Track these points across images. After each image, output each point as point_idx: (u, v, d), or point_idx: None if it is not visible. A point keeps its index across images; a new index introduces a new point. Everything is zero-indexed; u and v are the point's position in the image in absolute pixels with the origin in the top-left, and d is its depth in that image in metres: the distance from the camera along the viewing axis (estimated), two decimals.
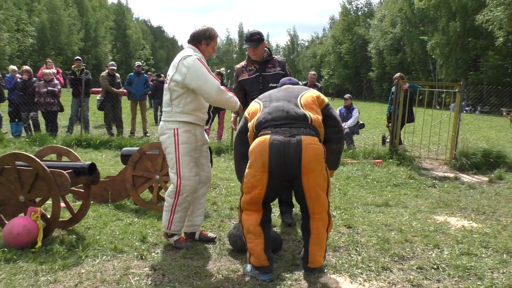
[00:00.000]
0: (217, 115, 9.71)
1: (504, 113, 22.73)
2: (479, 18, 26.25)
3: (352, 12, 63.31)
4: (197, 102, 3.32)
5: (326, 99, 3.07)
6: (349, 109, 9.39)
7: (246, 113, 3.09)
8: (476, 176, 7.01)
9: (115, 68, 9.65)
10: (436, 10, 33.12)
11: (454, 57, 31.36)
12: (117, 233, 3.67)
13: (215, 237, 3.62)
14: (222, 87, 3.26)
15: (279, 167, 2.69)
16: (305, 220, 2.94)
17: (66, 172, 3.40)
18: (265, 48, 4.05)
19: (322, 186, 2.80)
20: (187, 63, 3.19)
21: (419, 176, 6.65)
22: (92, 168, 3.58)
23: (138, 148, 4.74)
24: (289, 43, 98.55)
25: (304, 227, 2.95)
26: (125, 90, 9.87)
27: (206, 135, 3.59)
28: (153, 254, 3.31)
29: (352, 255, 3.32)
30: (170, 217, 3.35)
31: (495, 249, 3.51)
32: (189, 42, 3.45)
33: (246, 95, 4.10)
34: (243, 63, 4.20)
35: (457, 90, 7.62)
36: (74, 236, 3.61)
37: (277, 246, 3.29)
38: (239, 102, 3.41)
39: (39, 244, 3.29)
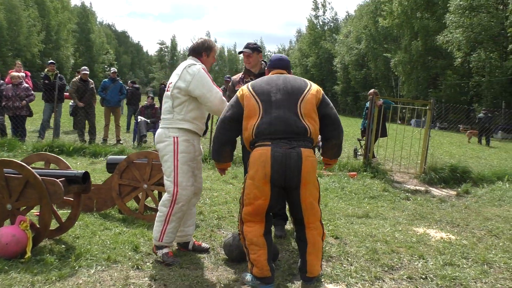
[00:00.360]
0: None
1: (461, 129, 23.94)
2: (439, 39, 27.61)
3: (318, 26, 64.92)
4: (199, 111, 3.35)
5: (321, 92, 3.02)
6: None
7: (239, 99, 2.97)
8: (444, 190, 7.37)
9: (88, 72, 9.32)
10: (399, 29, 34.56)
11: (416, 74, 32.76)
12: (108, 242, 3.60)
13: (209, 247, 3.63)
14: (224, 98, 3.32)
15: (280, 178, 2.75)
16: (300, 230, 2.97)
17: (59, 181, 3.33)
18: (262, 61, 4.15)
19: (315, 196, 2.90)
20: (192, 71, 3.23)
21: (392, 189, 6.92)
22: (86, 176, 3.51)
23: (124, 156, 4.68)
24: None
25: (299, 238, 2.98)
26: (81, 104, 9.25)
27: (200, 146, 3.59)
28: (148, 264, 3.28)
29: (344, 265, 3.43)
30: (163, 228, 3.27)
31: (475, 260, 3.72)
32: (189, 55, 3.49)
33: None
34: (240, 74, 4.27)
35: (428, 107, 8.00)
36: (62, 245, 3.51)
37: (275, 256, 3.35)
38: None
39: (29, 254, 3.18)
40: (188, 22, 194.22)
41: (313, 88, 2.99)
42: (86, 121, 9.32)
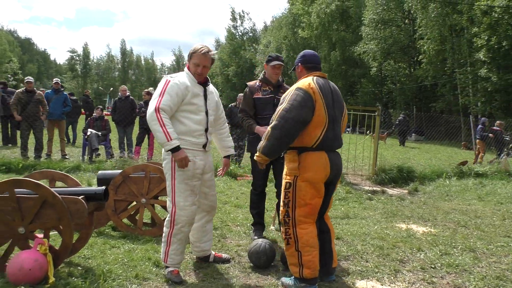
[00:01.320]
0: (147, 135, 9.45)
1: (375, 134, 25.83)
2: (356, 49, 29.73)
3: (237, 36, 66.01)
4: (183, 126, 3.16)
5: None
6: None
7: (314, 104, 2.88)
8: (395, 189, 8.04)
9: (32, 81, 8.56)
10: (318, 40, 36.47)
11: (335, 83, 34.52)
12: (125, 260, 3.48)
13: (230, 257, 3.66)
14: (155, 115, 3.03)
15: (334, 177, 3.09)
16: (322, 223, 3.24)
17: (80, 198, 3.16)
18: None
19: None
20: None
21: (354, 191, 7.39)
22: (106, 193, 3.35)
23: (117, 171, 4.51)
24: (174, 62, 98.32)
25: (323, 230, 3.21)
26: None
27: (209, 162, 3.37)
28: (192, 275, 3.23)
29: (362, 262, 3.68)
30: (166, 249, 3.22)
31: (462, 248, 4.19)
32: None
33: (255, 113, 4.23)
34: (257, 82, 4.30)
35: (376, 113, 8.68)
36: (78, 267, 3.33)
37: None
38: (164, 140, 2.99)
39: (52, 279, 2.98)
40: (97, 30, 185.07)
41: (344, 103, 3.30)
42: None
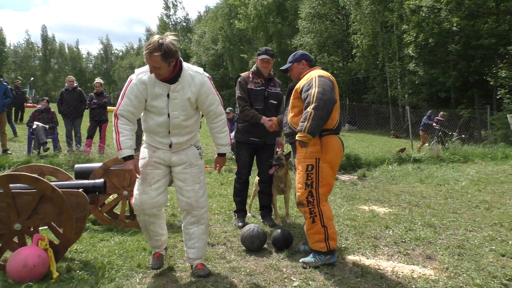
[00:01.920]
0: (98, 127, 9.17)
1: None
2: (294, 42, 30.56)
3: (171, 26, 64.61)
4: (148, 124, 3.06)
5: None
6: (232, 121, 10.12)
7: (335, 89, 3.26)
8: (345, 175, 8.60)
9: None
10: (255, 31, 36.90)
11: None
12: (121, 252, 3.52)
13: (207, 274, 3.11)
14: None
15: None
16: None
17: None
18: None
19: None
20: None
21: None
22: (105, 186, 3.35)
23: (95, 164, 4.45)
24: (102, 52, 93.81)
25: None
26: None
27: (183, 157, 3.09)
28: (180, 266, 3.34)
29: (343, 240, 4.03)
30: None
31: (422, 224, 4.71)
32: None
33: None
34: (249, 73, 4.43)
35: None
36: (75, 262, 3.33)
37: (289, 242, 3.76)
38: (116, 148, 2.95)
39: (56, 274, 2.97)
40: (12, 14, 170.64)
41: None
42: None
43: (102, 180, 3.34)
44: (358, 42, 24.64)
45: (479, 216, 5.19)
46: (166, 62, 2.76)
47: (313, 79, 3.25)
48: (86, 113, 9.39)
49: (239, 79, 4.44)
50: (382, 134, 22.06)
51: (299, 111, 3.37)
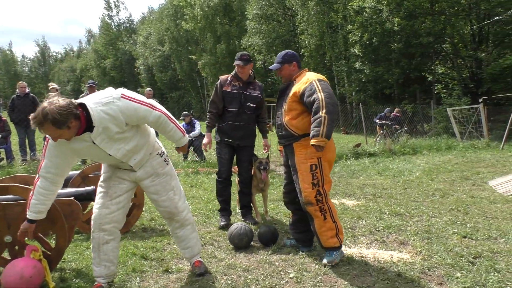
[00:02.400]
0: None
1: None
2: (243, 43, 30.80)
3: (114, 27, 62.65)
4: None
5: None
6: (191, 124, 10.15)
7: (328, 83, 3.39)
8: None
9: None
10: (203, 32, 36.72)
11: (221, 75, 35.40)
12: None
13: (203, 272, 3.22)
14: None
15: None
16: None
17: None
18: (251, 70, 4.52)
19: None
20: None
21: (276, 176, 8.06)
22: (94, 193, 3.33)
23: (74, 171, 4.37)
24: (38, 54, 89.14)
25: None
26: None
27: (148, 170, 3.00)
28: (174, 268, 3.42)
29: None
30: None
31: (390, 213, 5.07)
32: None
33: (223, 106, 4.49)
34: (228, 76, 4.53)
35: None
36: (63, 271, 3.30)
37: (275, 238, 3.94)
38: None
39: (53, 284, 2.95)
40: None
41: None
42: None
43: (92, 187, 3.34)
44: (306, 42, 25.35)
45: (437, 203, 5.65)
46: (64, 127, 2.45)
47: (313, 83, 3.29)
48: None
49: (217, 82, 4.56)
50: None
51: (297, 114, 3.41)
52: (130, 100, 2.64)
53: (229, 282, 3.06)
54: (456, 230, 4.34)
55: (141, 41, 51.38)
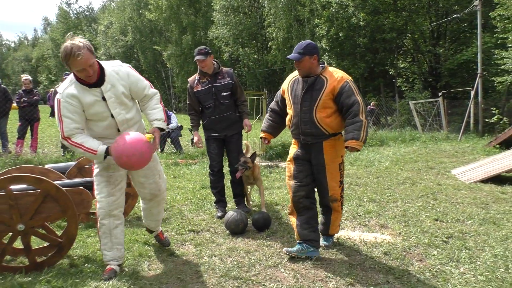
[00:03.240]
0: (29, 126, 8.70)
1: None
2: (210, 34, 30.72)
3: (72, 15, 60.55)
4: (94, 132, 3.08)
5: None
6: (166, 116, 10.21)
7: None
8: (284, 163, 9.25)
9: None
10: (168, 23, 36.25)
11: (187, 67, 35.22)
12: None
13: (169, 243, 3.73)
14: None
15: None
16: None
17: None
18: (214, 61, 4.60)
19: None
20: None
21: None
22: None
23: (69, 163, 4.45)
24: None
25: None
26: None
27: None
28: (178, 252, 3.62)
29: None
30: (100, 246, 3.19)
31: (368, 200, 5.45)
32: None
33: (200, 105, 4.65)
34: (196, 76, 4.63)
35: (263, 97, 9.71)
36: (71, 258, 3.43)
37: (268, 223, 4.21)
38: (92, 156, 2.97)
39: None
40: None
41: None
42: None
43: None
44: (274, 35, 25.65)
45: (408, 190, 6.11)
46: (93, 56, 2.82)
47: (349, 83, 3.27)
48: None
49: (187, 86, 4.71)
50: None
51: (332, 112, 3.33)
52: (135, 71, 3.14)
53: (235, 263, 3.31)
54: (428, 214, 4.77)
55: (102, 30, 49.98)
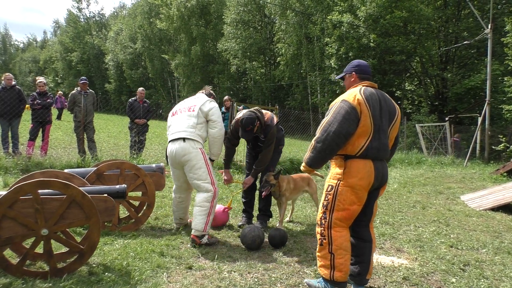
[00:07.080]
0: (40, 128, 8.72)
1: None
2: (219, 46, 30.96)
3: (82, 20, 61.02)
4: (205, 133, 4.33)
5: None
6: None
7: (358, 114, 2.91)
8: None
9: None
10: (178, 33, 36.55)
11: (194, 77, 35.44)
12: (132, 254, 3.67)
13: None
14: None
15: (378, 185, 3.08)
16: (365, 232, 3.17)
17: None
18: (257, 128, 4.57)
19: None
20: (212, 103, 4.30)
21: None
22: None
23: (88, 168, 4.45)
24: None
25: (364, 239, 3.16)
26: None
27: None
28: (198, 263, 3.60)
29: None
30: (207, 220, 4.12)
31: (381, 222, 5.44)
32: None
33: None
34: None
35: (274, 112, 9.76)
36: (90, 266, 3.41)
37: (285, 241, 4.19)
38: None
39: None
40: None
41: (399, 112, 3.21)
42: None
43: (124, 185, 3.47)
44: (283, 50, 25.85)
45: (419, 214, 6.10)
46: None
47: (336, 103, 3.02)
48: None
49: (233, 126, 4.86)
50: (303, 139, 23.37)
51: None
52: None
53: (256, 280, 3.29)
54: (442, 240, 4.75)
55: (111, 36, 50.33)
